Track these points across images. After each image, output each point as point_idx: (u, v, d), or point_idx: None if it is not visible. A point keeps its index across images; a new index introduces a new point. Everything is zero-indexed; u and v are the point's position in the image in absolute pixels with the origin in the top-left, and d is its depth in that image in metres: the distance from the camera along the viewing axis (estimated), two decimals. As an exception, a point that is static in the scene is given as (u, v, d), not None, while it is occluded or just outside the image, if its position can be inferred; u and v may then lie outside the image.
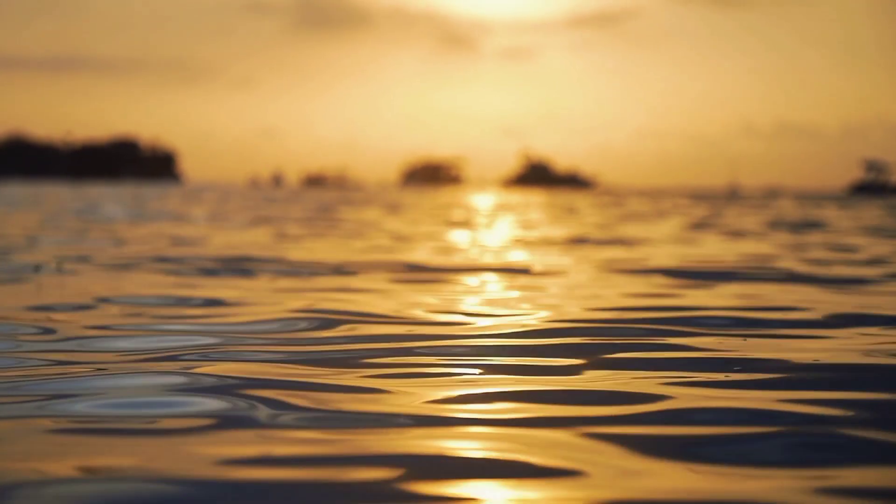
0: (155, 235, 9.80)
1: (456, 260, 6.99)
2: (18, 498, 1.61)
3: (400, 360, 2.87)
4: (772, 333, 3.46)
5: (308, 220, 14.34)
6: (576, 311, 4.01)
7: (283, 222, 13.55)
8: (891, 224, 15.28)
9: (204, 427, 2.06)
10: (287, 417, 2.15)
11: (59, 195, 31.01)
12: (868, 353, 3.04)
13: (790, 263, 6.87)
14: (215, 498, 1.63)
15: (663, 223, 14.79)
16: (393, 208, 22.17)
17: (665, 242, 9.51)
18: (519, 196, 50.35)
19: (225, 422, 2.11)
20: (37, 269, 5.70)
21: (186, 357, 2.86)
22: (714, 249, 8.47)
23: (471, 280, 5.46)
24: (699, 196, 52.74)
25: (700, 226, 13.91)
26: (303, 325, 3.56)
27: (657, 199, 41.19)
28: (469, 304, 4.30)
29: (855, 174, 74.56)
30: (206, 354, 2.90)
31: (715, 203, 32.40)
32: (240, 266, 6.19)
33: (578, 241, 9.58)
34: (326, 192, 62.16)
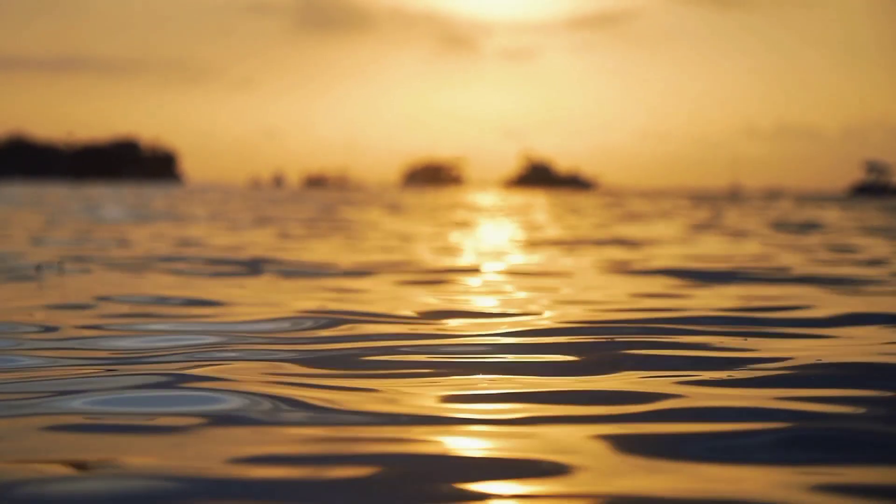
0: (157, 236, 9.80)
1: (458, 260, 6.99)
2: (19, 496, 1.61)
3: (402, 359, 2.87)
4: (773, 332, 3.46)
5: (310, 221, 14.35)
6: (578, 311, 4.01)
7: (285, 223, 13.56)
8: (892, 225, 15.28)
9: (204, 425, 2.07)
10: (289, 416, 2.15)
11: (60, 195, 31.02)
12: (869, 352, 3.04)
13: (791, 264, 6.87)
14: (216, 495, 1.63)
15: (665, 224, 14.79)
16: (394, 209, 22.17)
17: (667, 243, 9.51)
18: (520, 197, 50.35)
19: (225, 420, 2.11)
20: (38, 269, 5.71)
21: (187, 356, 2.86)
22: (716, 250, 8.48)
23: (473, 280, 5.46)
24: (700, 197, 52.74)
25: (702, 227, 13.91)
26: (306, 324, 3.56)
27: (658, 200, 41.19)
28: (472, 304, 4.30)
29: (856, 175, 74.45)
30: (207, 353, 2.90)
31: (716, 204, 32.39)
32: (243, 266, 6.19)
33: (581, 242, 9.58)
34: (327, 192, 62.19)
